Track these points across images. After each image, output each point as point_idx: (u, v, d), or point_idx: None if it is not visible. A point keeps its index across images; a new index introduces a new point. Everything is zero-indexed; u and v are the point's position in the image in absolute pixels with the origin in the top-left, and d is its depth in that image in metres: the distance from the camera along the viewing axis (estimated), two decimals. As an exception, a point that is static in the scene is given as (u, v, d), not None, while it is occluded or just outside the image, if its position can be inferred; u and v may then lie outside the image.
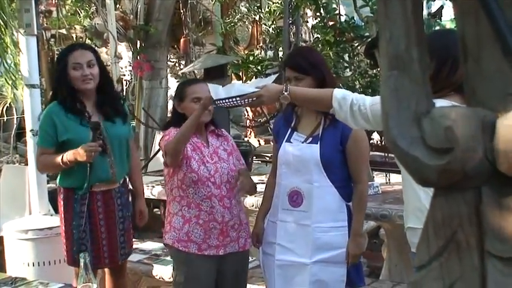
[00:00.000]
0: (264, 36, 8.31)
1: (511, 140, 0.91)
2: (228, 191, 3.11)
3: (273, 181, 3.10)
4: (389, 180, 4.69)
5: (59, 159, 3.23)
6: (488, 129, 0.94)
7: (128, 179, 3.58)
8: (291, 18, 5.76)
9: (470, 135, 0.93)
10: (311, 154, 2.90)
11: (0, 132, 8.12)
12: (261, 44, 8.51)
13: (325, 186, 2.91)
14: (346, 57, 5.81)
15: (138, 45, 7.08)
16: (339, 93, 2.32)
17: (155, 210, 6.17)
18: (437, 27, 5.40)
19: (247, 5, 8.50)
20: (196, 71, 7.27)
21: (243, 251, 3.18)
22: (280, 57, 6.63)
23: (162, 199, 4.77)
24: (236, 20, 8.38)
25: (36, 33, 4.40)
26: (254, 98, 2.53)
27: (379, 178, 4.70)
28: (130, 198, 3.62)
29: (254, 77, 6.25)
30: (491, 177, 0.95)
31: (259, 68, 6.19)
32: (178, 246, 3.08)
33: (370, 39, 4.87)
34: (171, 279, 3.75)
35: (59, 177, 3.43)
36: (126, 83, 8.42)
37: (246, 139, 8.39)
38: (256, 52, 7.77)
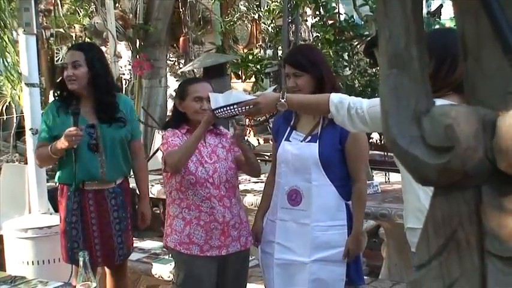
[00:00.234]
0: (263, 35, 8.31)
1: (512, 139, 0.91)
2: (227, 191, 3.11)
3: (272, 180, 3.10)
4: (388, 179, 4.70)
5: (48, 149, 3.32)
6: (488, 128, 0.93)
7: (128, 181, 3.57)
8: (290, 17, 5.76)
9: (470, 134, 0.93)
10: (310, 153, 2.91)
11: (0, 131, 8.12)
12: (260, 43, 8.50)
13: (324, 185, 2.91)
14: (345, 56, 5.80)
15: (138, 44, 7.08)
16: (335, 97, 2.32)
17: (154, 209, 6.17)
18: (437, 26, 5.39)
19: (246, 3, 8.50)
20: (195, 70, 7.26)
21: (245, 249, 3.18)
22: (280, 56, 6.62)
23: (161, 198, 4.78)
24: (235, 19, 8.37)
25: (35, 32, 4.39)
26: (251, 106, 2.56)
27: (378, 177, 4.70)
28: (130, 200, 3.62)
29: (253, 75, 6.24)
30: (491, 176, 0.95)
31: (258, 66, 6.18)
32: (180, 249, 3.07)
33: (369, 38, 4.87)
34: (170, 278, 3.76)
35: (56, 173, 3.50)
36: (126, 82, 8.41)
37: (245, 138, 8.39)
38: (256, 51, 7.76)
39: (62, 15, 8.14)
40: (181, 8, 7.89)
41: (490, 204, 0.95)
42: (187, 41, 8.06)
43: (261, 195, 3.28)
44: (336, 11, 6.18)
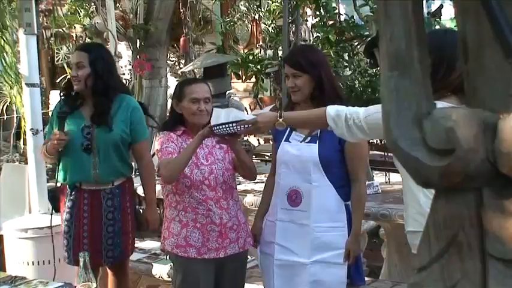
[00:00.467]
0: (263, 35, 8.29)
1: (513, 142, 0.91)
2: (224, 192, 3.08)
3: (272, 181, 3.10)
4: (389, 179, 4.69)
5: (44, 148, 3.45)
6: (489, 131, 0.93)
7: (130, 182, 3.57)
8: (290, 17, 5.75)
9: (471, 137, 0.93)
10: (310, 154, 2.90)
11: (0, 131, 8.11)
12: (260, 43, 8.49)
13: (324, 186, 2.91)
14: (346, 56, 5.79)
15: (138, 45, 7.07)
16: (331, 110, 2.34)
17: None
18: (437, 27, 5.39)
19: (246, 4, 8.49)
20: (196, 70, 7.25)
21: (243, 251, 3.16)
22: (280, 56, 6.62)
23: (162, 198, 4.76)
24: (236, 19, 8.36)
25: (36, 32, 4.39)
26: (250, 125, 2.60)
27: (378, 177, 4.70)
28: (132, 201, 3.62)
29: (254, 76, 6.24)
30: (492, 178, 0.95)
31: (258, 67, 6.18)
32: (178, 252, 3.05)
33: (369, 38, 4.87)
34: (170, 278, 3.76)
35: None
36: (126, 82, 8.40)
37: (245, 138, 8.38)
38: (256, 51, 7.74)
39: (62, 15, 8.14)
40: (182, 8, 7.88)
41: (491, 207, 0.95)
42: (188, 41, 8.05)
43: (261, 195, 3.27)
44: (337, 11, 6.18)
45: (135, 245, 3.81)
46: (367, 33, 5.42)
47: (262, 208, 3.16)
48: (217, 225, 3.03)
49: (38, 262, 4.07)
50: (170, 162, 2.96)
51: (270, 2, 7.94)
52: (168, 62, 8.26)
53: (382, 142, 4.85)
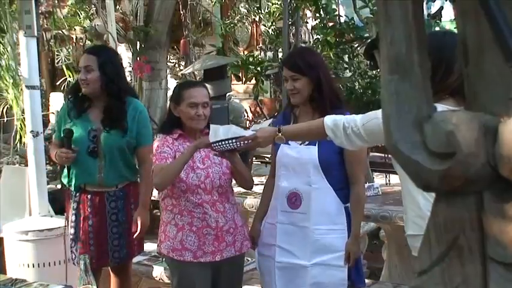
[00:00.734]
0: (263, 37, 8.31)
1: (514, 145, 0.91)
2: (220, 196, 3.05)
3: (272, 183, 3.09)
4: (389, 181, 4.68)
5: (53, 154, 3.48)
6: (490, 134, 0.93)
7: (134, 185, 3.57)
8: (290, 19, 5.76)
9: (472, 140, 0.93)
10: (309, 156, 2.90)
11: (1, 133, 8.11)
12: (260, 45, 8.50)
13: (323, 188, 2.91)
14: (345, 58, 5.80)
15: (138, 46, 7.07)
16: (329, 120, 2.36)
17: (155, 211, 6.16)
18: (437, 28, 5.39)
19: (246, 6, 8.50)
20: (196, 72, 7.26)
21: (240, 254, 3.14)
22: (280, 58, 6.63)
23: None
24: (236, 21, 8.38)
25: (36, 34, 4.39)
26: (250, 141, 2.62)
27: (379, 179, 4.69)
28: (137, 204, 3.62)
29: (254, 78, 6.24)
30: (493, 182, 0.95)
31: (258, 69, 6.18)
32: (173, 255, 3.03)
33: (369, 40, 4.87)
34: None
35: None
36: (126, 84, 8.40)
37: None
38: (256, 53, 7.76)
39: (62, 17, 8.15)
40: (182, 10, 7.90)
41: (492, 211, 0.95)
42: (188, 43, 8.06)
43: (260, 198, 3.27)
44: (336, 13, 6.17)
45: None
46: (367, 35, 5.41)
47: (261, 210, 3.16)
48: (213, 228, 3.01)
49: (38, 264, 4.07)
50: (163, 169, 2.95)
51: (270, 4, 7.96)
52: (168, 64, 8.27)
53: (382, 144, 4.85)
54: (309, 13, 7.38)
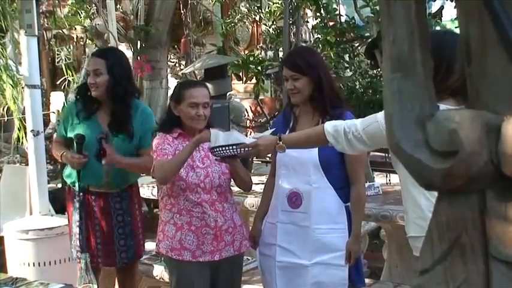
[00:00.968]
0: (264, 36, 8.31)
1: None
2: (219, 195, 3.05)
3: (272, 182, 3.09)
4: (389, 180, 4.69)
5: (59, 154, 3.44)
6: (493, 133, 0.93)
7: (136, 186, 3.58)
8: (291, 19, 5.75)
9: (475, 139, 0.93)
10: (309, 155, 2.90)
11: (1, 132, 8.11)
12: (261, 44, 8.51)
13: (324, 188, 2.90)
14: (346, 57, 5.80)
15: (139, 46, 7.08)
16: (329, 127, 2.37)
17: (155, 210, 6.16)
18: (438, 27, 5.39)
19: (247, 5, 8.50)
20: (196, 71, 7.26)
21: (239, 254, 3.13)
22: (281, 58, 6.62)
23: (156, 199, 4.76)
24: (236, 21, 8.37)
25: (37, 33, 4.39)
26: (250, 148, 2.62)
27: (379, 178, 4.70)
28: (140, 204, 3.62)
29: (254, 77, 6.24)
30: (495, 180, 0.95)
31: (259, 68, 6.17)
32: (172, 255, 3.03)
33: (370, 40, 4.87)
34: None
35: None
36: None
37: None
38: (257, 52, 7.76)
39: (63, 16, 8.15)
40: (183, 10, 7.90)
41: (495, 209, 0.95)
42: (188, 43, 8.07)
43: (261, 197, 3.26)
44: (337, 12, 6.17)
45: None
46: (367, 34, 5.41)
47: (262, 210, 3.16)
48: (212, 228, 3.01)
49: (39, 263, 4.07)
50: (164, 164, 2.95)
51: (271, 3, 7.95)
52: (169, 63, 8.28)
53: (384, 147, 4.85)
54: (309, 12, 7.38)
